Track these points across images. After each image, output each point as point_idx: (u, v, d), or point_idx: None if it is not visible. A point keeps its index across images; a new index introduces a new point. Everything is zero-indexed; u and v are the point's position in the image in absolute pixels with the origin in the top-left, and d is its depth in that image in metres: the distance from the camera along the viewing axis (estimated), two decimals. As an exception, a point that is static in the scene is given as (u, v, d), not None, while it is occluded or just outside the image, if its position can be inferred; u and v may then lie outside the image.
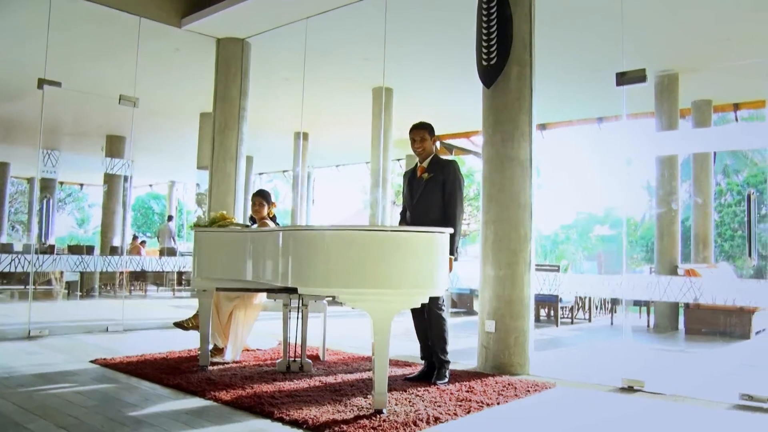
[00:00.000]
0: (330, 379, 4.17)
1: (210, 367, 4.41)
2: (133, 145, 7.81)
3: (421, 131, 4.36)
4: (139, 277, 11.65)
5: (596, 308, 9.73)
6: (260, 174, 19.50)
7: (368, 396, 3.66)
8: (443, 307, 4.27)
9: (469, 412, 3.43)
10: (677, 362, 5.88)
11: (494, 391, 3.96)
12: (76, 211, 30.42)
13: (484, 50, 4.82)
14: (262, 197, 4.99)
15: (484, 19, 4.83)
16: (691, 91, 8.79)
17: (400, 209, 4.67)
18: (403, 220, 4.54)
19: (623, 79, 4.42)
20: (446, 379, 4.19)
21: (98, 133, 12.61)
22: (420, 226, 3.82)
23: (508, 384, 4.18)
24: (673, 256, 8.29)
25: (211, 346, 5.04)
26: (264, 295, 4.76)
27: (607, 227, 24.01)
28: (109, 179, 12.66)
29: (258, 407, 3.36)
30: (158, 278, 12.40)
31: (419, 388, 3.95)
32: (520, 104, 4.79)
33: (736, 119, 9.94)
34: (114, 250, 11.48)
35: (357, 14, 6.45)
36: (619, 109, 4.56)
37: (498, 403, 3.67)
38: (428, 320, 4.26)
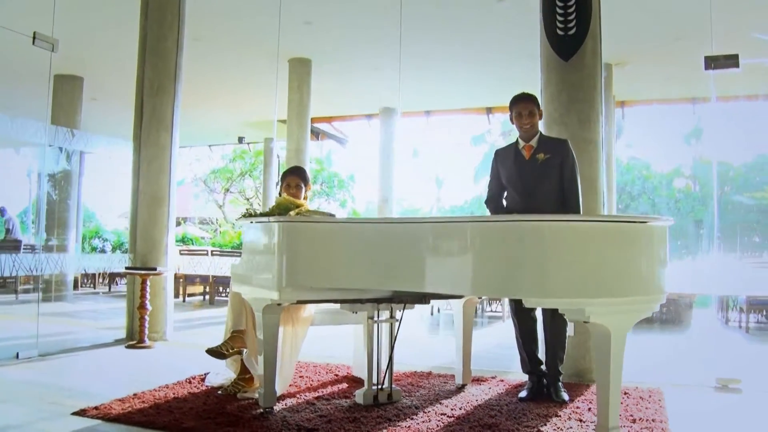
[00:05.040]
0: (445, 410, 3.30)
1: (273, 407, 3.24)
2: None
3: (530, 104, 3.66)
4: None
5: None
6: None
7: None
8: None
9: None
10: None
11: (634, 405, 3.45)
12: None
13: (560, 17, 4.25)
14: (299, 177, 3.85)
15: (561, -20, 4.25)
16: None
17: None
18: (498, 211, 3.81)
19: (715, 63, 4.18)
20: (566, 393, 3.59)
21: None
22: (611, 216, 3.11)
23: (623, 393, 3.72)
24: None
25: (225, 376, 3.82)
26: (312, 306, 3.66)
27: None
28: None
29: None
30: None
31: (565, 410, 3.29)
32: (595, 82, 4.32)
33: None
34: None
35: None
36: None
37: (661, 420, 3.17)
38: (551, 327, 3.60)
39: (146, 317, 5.18)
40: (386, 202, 11.85)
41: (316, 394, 3.62)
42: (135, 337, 5.30)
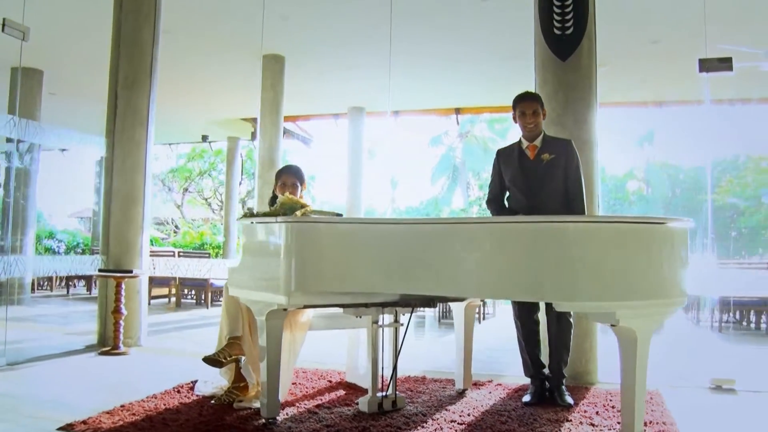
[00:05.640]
0: (453, 416, 3.20)
1: (275, 417, 3.07)
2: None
3: (534, 104, 3.60)
4: None
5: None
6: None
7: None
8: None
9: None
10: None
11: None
12: None
13: (557, 16, 4.22)
14: (296, 176, 3.70)
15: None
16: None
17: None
18: (501, 212, 3.73)
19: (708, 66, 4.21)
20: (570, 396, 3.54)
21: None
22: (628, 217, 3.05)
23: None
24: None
25: (220, 383, 3.64)
26: (311, 311, 3.50)
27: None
28: None
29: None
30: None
31: (574, 414, 3.22)
32: (591, 82, 4.30)
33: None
34: None
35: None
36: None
37: (672, 423, 3.15)
38: (557, 330, 3.54)
39: (121, 322, 4.92)
40: (355, 202, 11.71)
41: (315, 402, 3.47)
42: (108, 343, 5.03)
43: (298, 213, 2.97)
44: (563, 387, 3.56)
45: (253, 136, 15.32)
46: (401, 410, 3.29)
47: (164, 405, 3.32)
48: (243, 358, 3.33)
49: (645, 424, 3.08)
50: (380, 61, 8.63)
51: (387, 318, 3.34)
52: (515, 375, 4.31)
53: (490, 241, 2.50)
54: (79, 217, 25.09)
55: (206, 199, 23.71)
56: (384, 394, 3.29)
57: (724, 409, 3.57)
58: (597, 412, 3.29)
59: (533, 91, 3.72)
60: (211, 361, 3.24)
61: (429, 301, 3.19)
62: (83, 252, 13.79)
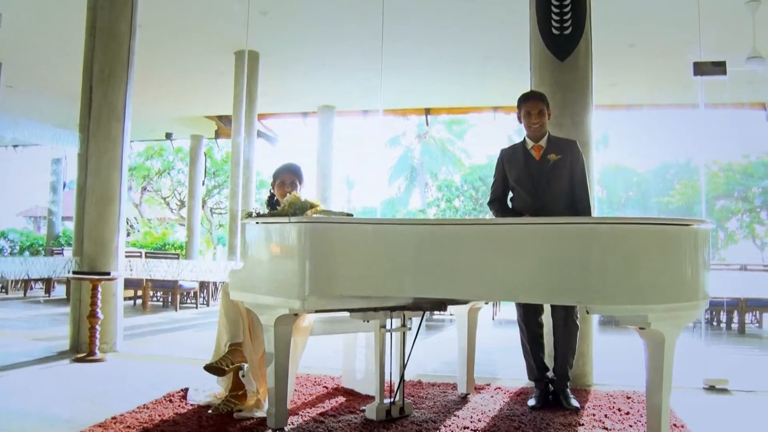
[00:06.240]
0: (464, 422, 3.12)
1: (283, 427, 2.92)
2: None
3: (540, 103, 3.56)
4: None
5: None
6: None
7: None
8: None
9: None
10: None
11: (640, 413, 3.41)
12: None
13: (555, 16, 4.19)
14: (295, 175, 3.55)
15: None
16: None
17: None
18: (505, 213, 3.67)
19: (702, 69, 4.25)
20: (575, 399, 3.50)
21: None
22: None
23: (621, 395, 3.70)
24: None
25: (214, 391, 3.47)
26: (312, 315, 3.36)
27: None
28: None
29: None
30: None
31: (584, 418, 3.19)
32: (587, 83, 4.29)
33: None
34: None
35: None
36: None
37: (682, 425, 3.14)
38: (564, 332, 3.50)
39: (97, 327, 4.66)
40: (325, 202, 11.56)
41: (318, 410, 3.33)
42: (82, 349, 4.77)
43: (309, 213, 2.84)
44: (568, 390, 3.52)
45: (217, 134, 15.02)
46: (410, 417, 3.20)
47: (159, 416, 3.13)
48: (246, 365, 3.17)
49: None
50: (355, 60, 8.54)
51: (394, 322, 3.23)
52: (512, 378, 4.28)
53: (520, 243, 2.42)
54: (29, 216, 24.12)
55: (164, 199, 23.10)
56: (391, 400, 3.18)
57: (725, 410, 3.60)
58: (606, 416, 3.26)
59: (538, 90, 3.68)
60: (213, 369, 3.07)
61: (440, 304, 3.11)
62: (36, 252, 13.22)
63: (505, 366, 4.76)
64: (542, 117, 3.54)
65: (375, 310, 3.04)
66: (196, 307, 9.32)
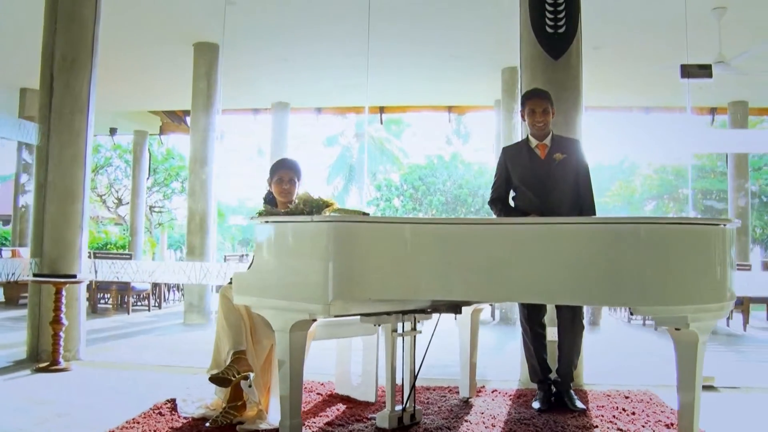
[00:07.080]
0: (480, 428, 3.02)
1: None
2: None
3: (545, 102, 3.52)
4: None
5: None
6: None
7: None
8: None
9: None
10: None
11: (650, 409, 3.41)
12: None
13: (549, 14, 4.16)
14: (293, 171, 3.37)
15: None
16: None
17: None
18: (508, 212, 3.60)
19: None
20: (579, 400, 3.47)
21: None
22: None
23: (618, 394, 3.71)
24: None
25: (205, 401, 3.26)
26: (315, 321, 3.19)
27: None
28: None
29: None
30: None
31: (595, 419, 3.15)
32: (578, 82, 4.29)
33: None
34: None
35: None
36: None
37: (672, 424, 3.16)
38: (570, 334, 3.46)
39: (61, 334, 4.32)
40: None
41: (323, 420, 3.17)
42: (43, 358, 4.42)
43: (326, 212, 2.68)
44: (572, 391, 3.49)
45: (161, 130, 14.46)
46: (421, 424, 3.08)
47: (154, 431, 2.89)
48: (252, 374, 2.97)
49: (668, 426, 3.07)
50: (309, 57, 8.31)
51: (405, 326, 3.11)
52: (503, 379, 4.24)
53: (557, 243, 2.35)
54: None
55: (100, 196, 22.08)
56: (402, 407, 3.05)
57: (713, 407, 3.61)
58: (614, 416, 3.25)
59: (542, 88, 3.63)
60: (219, 380, 2.85)
61: (456, 307, 3.00)
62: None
63: (489, 366, 4.72)
64: (547, 115, 3.50)
65: (388, 313, 2.91)
66: (149, 310, 8.89)
